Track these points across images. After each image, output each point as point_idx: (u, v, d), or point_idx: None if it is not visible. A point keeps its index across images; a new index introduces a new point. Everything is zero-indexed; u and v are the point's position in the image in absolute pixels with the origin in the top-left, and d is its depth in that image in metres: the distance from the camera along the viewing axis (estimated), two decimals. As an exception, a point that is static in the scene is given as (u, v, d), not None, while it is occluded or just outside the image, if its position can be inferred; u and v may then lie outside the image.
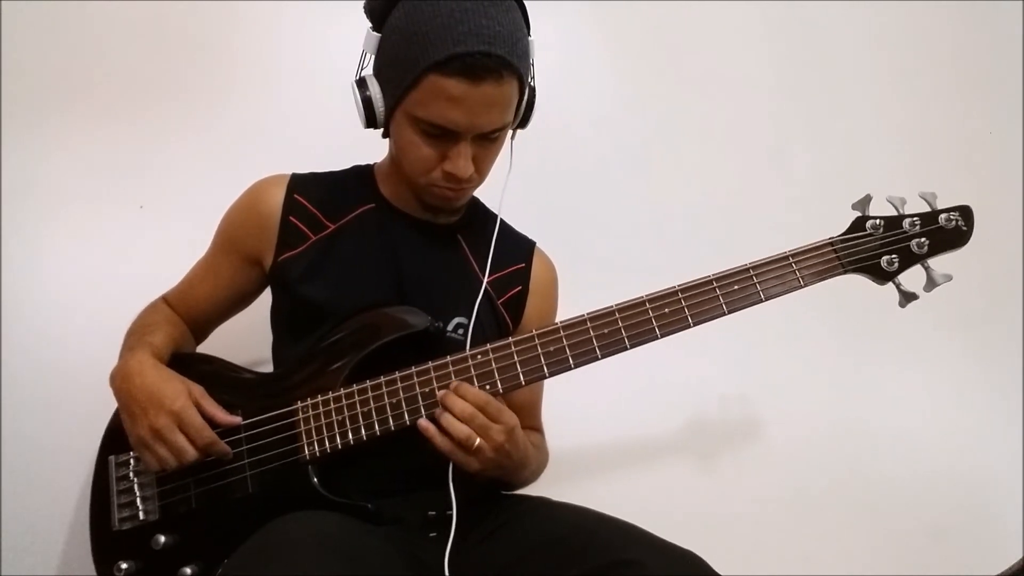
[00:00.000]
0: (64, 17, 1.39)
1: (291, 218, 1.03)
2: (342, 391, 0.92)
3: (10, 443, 1.25)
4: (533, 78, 0.99)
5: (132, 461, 0.97)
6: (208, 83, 1.45)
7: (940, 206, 0.92)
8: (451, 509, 0.97)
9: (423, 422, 0.88)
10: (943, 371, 1.69)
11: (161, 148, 1.41)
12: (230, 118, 1.45)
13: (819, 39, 1.78)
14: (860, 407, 1.63)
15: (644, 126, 1.67)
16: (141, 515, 0.94)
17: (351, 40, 1.48)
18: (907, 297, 0.91)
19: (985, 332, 1.73)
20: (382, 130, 0.99)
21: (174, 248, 1.16)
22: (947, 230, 0.90)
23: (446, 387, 0.89)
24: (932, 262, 0.91)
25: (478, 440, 0.86)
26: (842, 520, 1.54)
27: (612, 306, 0.90)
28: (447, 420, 0.86)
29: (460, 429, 0.85)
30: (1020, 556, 1.54)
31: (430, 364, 0.91)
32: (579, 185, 1.61)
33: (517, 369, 0.89)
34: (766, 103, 1.74)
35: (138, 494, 0.95)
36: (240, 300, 1.13)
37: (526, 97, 0.97)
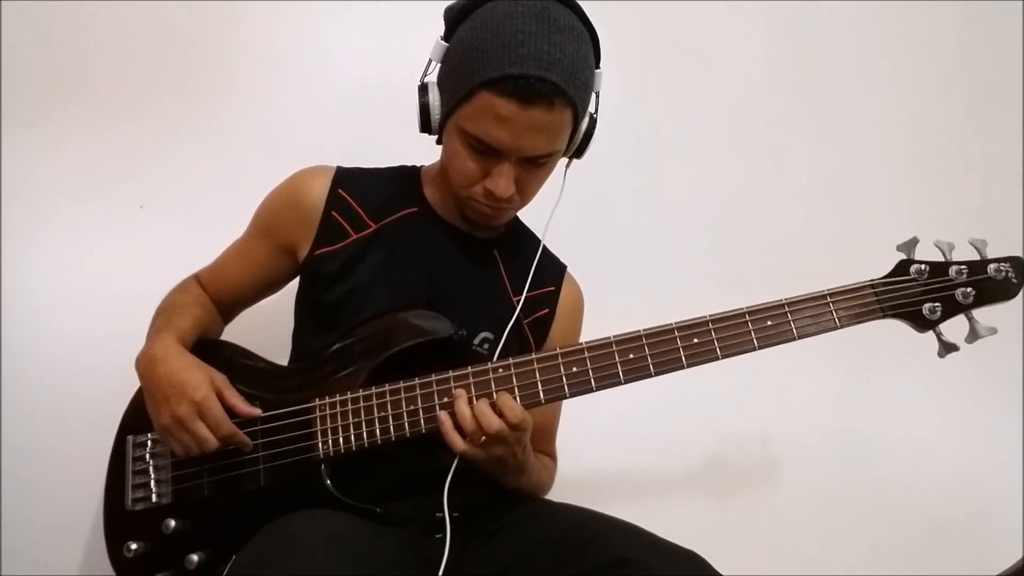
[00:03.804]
0: (64, 17, 1.38)
1: (333, 213, 1.03)
2: (360, 392, 0.92)
3: (9, 444, 1.25)
4: (596, 110, 0.98)
5: (150, 443, 0.98)
6: (208, 83, 1.45)
7: (989, 253, 0.87)
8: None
9: (442, 414, 0.87)
10: (943, 372, 1.64)
11: (161, 148, 1.41)
12: (230, 118, 1.44)
13: (820, 41, 1.75)
14: (860, 409, 1.61)
15: (645, 128, 1.65)
16: (154, 497, 0.95)
17: (351, 40, 1.50)
18: (947, 348, 0.87)
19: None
20: (436, 136, 0.99)
21: (174, 248, 1.15)
22: (996, 281, 0.86)
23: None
24: (977, 313, 0.87)
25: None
26: (842, 521, 1.54)
27: (639, 330, 0.88)
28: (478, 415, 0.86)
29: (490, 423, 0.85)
30: (1020, 556, 1.52)
31: (450, 373, 0.90)
32: (580, 188, 1.59)
33: (538, 387, 0.88)
34: (768, 105, 1.71)
35: (153, 476, 0.96)
36: (270, 285, 1.13)
37: (584, 128, 0.96)
